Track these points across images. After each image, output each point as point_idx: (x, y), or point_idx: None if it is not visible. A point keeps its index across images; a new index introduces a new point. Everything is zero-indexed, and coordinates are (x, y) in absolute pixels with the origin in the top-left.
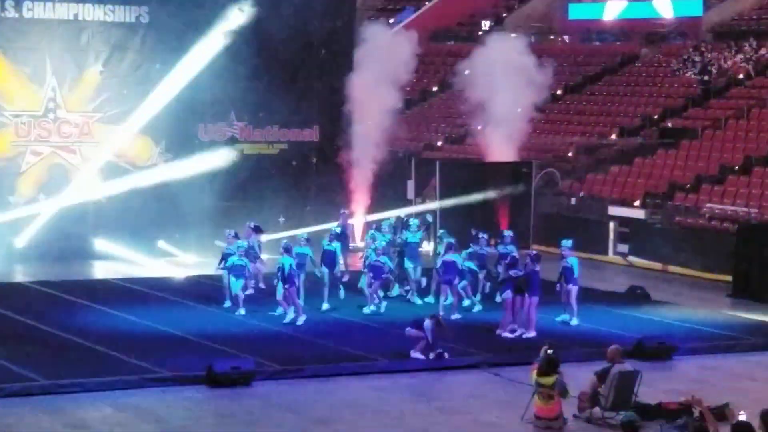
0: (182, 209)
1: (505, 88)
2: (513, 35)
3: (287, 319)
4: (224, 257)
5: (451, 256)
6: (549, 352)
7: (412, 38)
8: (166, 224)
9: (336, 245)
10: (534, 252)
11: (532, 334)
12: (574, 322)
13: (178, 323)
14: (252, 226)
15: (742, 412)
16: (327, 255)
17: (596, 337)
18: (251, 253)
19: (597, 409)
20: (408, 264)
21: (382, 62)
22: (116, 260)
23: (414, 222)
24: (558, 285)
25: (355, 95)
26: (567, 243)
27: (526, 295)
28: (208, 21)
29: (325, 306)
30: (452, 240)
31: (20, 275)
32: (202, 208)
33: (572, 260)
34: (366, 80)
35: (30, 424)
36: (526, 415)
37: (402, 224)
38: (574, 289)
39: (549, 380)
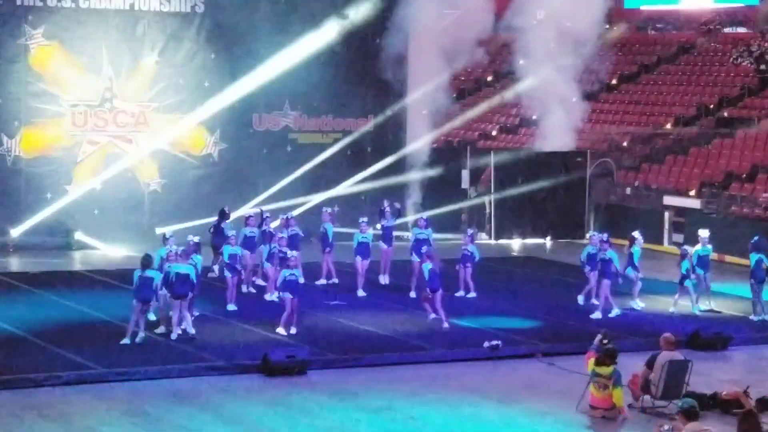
0: (237, 199)
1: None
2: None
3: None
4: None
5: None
6: (605, 342)
7: (480, 22)
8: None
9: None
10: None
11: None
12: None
13: (233, 311)
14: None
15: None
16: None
17: (651, 327)
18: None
19: (648, 398)
20: (383, 246)
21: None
22: None
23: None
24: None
25: (410, 84)
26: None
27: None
28: (263, 10)
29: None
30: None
31: (77, 264)
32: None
33: (635, 250)
34: (422, 68)
35: (87, 413)
36: (581, 405)
37: (380, 212)
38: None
39: (607, 370)
